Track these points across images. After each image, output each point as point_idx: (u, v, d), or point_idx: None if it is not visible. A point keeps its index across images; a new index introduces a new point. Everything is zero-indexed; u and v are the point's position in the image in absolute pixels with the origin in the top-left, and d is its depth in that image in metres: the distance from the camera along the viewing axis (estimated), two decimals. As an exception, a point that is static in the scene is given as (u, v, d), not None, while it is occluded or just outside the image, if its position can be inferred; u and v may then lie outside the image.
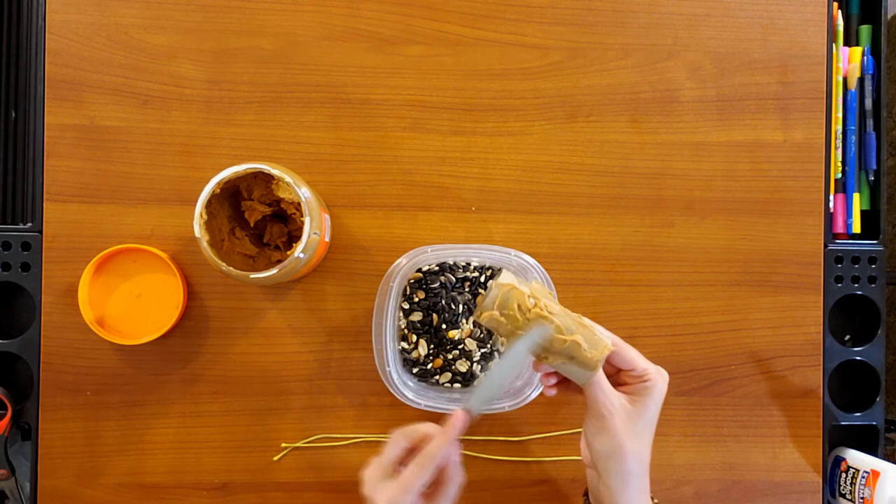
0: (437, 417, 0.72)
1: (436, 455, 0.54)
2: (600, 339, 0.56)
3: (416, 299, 0.71)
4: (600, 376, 0.56)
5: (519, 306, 0.55)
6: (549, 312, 0.55)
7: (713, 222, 0.76)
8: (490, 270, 0.72)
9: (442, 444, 0.55)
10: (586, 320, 0.58)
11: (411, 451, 0.57)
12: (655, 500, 0.61)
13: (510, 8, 0.75)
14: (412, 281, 0.71)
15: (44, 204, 0.72)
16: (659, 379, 0.57)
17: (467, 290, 0.72)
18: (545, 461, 0.74)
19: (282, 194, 0.63)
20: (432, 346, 0.71)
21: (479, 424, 0.74)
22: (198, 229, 0.59)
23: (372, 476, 0.56)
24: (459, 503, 0.73)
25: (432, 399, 0.68)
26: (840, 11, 0.79)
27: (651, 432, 0.58)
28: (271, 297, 0.73)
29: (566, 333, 0.55)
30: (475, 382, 0.72)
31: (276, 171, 0.60)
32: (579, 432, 0.70)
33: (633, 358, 0.58)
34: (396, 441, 0.57)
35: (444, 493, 0.56)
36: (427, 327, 0.71)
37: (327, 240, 0.69)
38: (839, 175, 0.79)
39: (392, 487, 0.54)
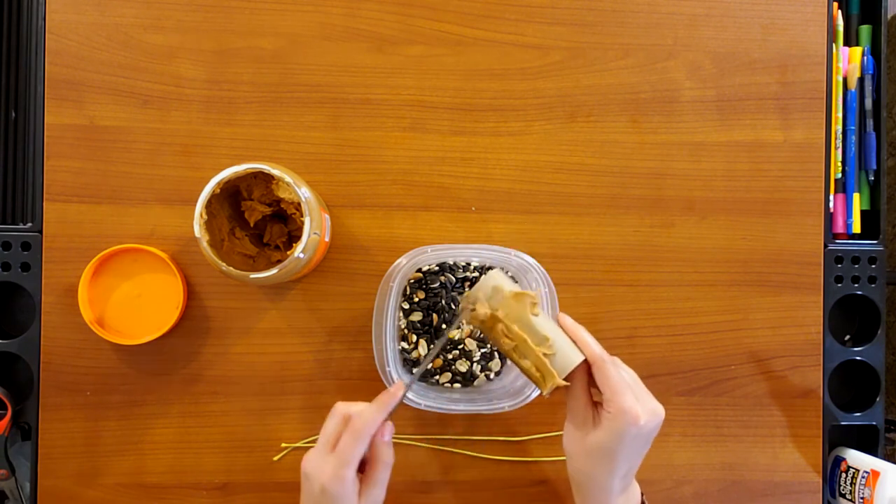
0: (437, 417, 0.73)
1: (369, 424, 0.54)
2: (550, 372, 0.56)
3: (416, 299, 0.71)
4: (583, 385, 0.57)
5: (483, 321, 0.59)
6: (508, 337, 0.58)
7: (713, 222, 0.76)
8: (489, 270, 0.72)
9: (376, 413, 0.55)
10: (557, 343, 0.57)
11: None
12: None
13: (510, 8, 0.75)
14: (412, 281, 0.71)
15: (44, 204, 0.72)
16: (622, 418, 0.54)
17: (467, 289, 0.72)
18: (545, 461, 0.74)
19: (282, 194, 0.63)
20: (432, 346, 0.71)
21: (480, 424, 0.74)
22: (198, 229, 0.59)
23: (311, 452, 0.56)
24: (460, 503, 0.74)
25: (432, 399, 0.68)
26: (840, 11, 0.79)
27: (610, 462, 0.55)
28: (271, 297, 0.73)
29: (518, 357, 0.58)
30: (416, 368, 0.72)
31: (276, 171, 0.60)
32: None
33: (607, 385, 0.55)
34: (336, 413, 0.57)
35: (373, 475, 0.55)
36: (427, 327, 0.71)
37: (327, 240, 0.69)
38: (839, 175, 0.79)
39: (331, 461, 0.54)
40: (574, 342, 0.57)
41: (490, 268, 0.72)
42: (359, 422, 0.54)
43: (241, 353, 0.73)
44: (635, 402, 0.54)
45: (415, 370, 0.58)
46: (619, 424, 0.54)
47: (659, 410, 0.56)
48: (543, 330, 0.57)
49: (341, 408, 0.57)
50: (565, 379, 0.56)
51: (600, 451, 0.55)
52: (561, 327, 0.58)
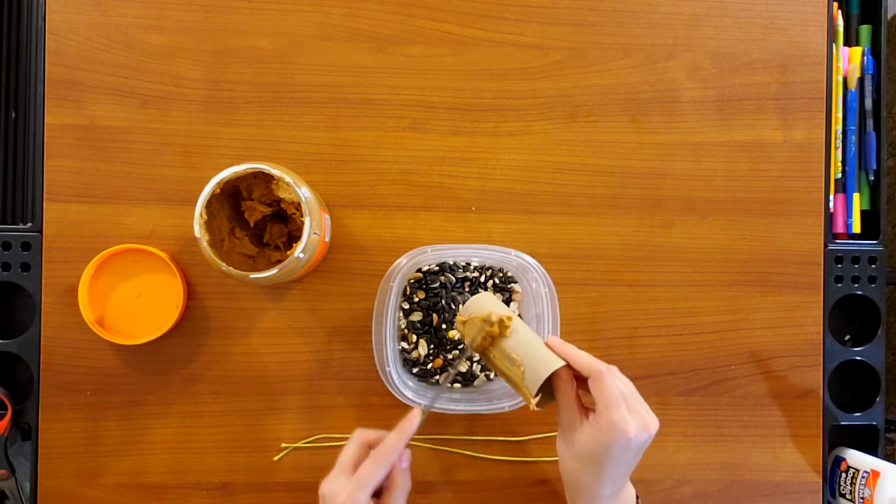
0: (437, 417, 0.73)
1: (391, 451, 0.55)
2: (526, 392, 0.58)
3: (416, 299, 0.71)
4: (566, 392, 0.57)
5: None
6: (488, 358, 0.61)
7: (713, 222, 0.76)
8: (490, 270, 0.72)
9: (397, 441, 0.56)
10: (525, 363, 0.58)
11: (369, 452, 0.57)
12: None
13: (510, 8, 0.75)
14: (412, 281, 0.71)
15: (44, 204, 0.72)
16: (611, 432, 0.53)
17: (467, 290, 0.72)
18: (544, 461, 0.74)
19: (282, 194, 0.63)
20: (432, 346, 0.71)
21: (480, 424, 0.74)
22: (198, 229, 0.59)
23: (329, 475, 0.56)
24: (460, 503, 0.74)
25: (432, 399, 0.68)
26: (840, 11, 0.79)
27: (597, 470, 0.55)
28: (271, 297, 0.73)
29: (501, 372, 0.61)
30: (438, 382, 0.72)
31: (276, 171, 0.60)
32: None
33: (602, 397, 0.54)
34: (356, 439, 0.58)
35: (390, 500, 0.56)
36: (427, 327, 0.71)
37: (327, 240, 0.69)
38: (839, 175, 0.79)
39: (349, 484, 0.54)
40: (564, 359, 0.58)
41: (490, 268, 0.72)
42: (380, 449, 0.56)
43: (241, 353, 0.73)
44: (627, 415, 0.54)
45: (429, 396, 0.62)
46: (607, 437, 0.54)
47: (650, 425, 0.55)
48: (512, 352, 0.59)
49: (360, 434, 0.59)
50: (553, 391, 0.59)
51: (588, 459, 0.56)
52: (550, 349, 0.59)
